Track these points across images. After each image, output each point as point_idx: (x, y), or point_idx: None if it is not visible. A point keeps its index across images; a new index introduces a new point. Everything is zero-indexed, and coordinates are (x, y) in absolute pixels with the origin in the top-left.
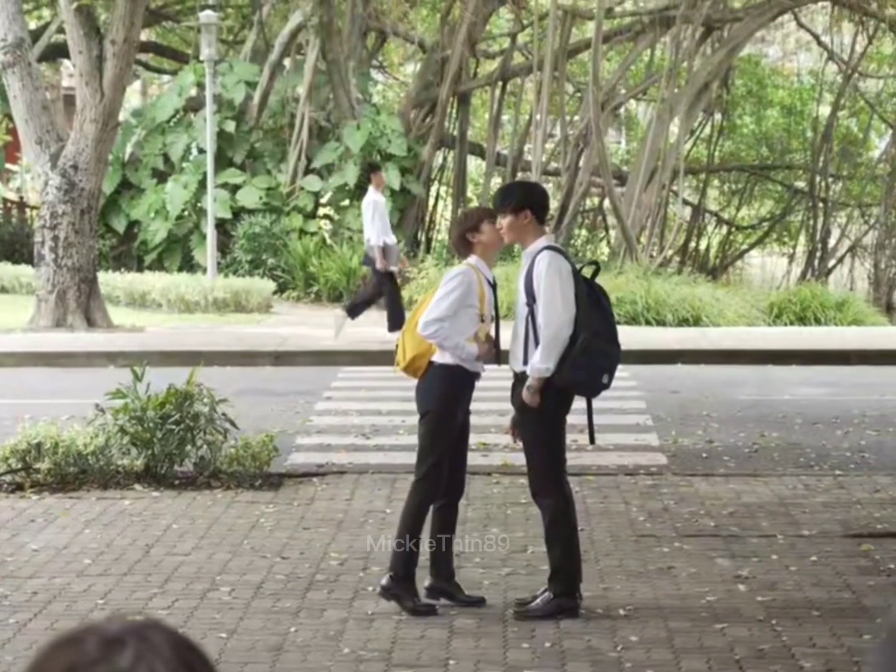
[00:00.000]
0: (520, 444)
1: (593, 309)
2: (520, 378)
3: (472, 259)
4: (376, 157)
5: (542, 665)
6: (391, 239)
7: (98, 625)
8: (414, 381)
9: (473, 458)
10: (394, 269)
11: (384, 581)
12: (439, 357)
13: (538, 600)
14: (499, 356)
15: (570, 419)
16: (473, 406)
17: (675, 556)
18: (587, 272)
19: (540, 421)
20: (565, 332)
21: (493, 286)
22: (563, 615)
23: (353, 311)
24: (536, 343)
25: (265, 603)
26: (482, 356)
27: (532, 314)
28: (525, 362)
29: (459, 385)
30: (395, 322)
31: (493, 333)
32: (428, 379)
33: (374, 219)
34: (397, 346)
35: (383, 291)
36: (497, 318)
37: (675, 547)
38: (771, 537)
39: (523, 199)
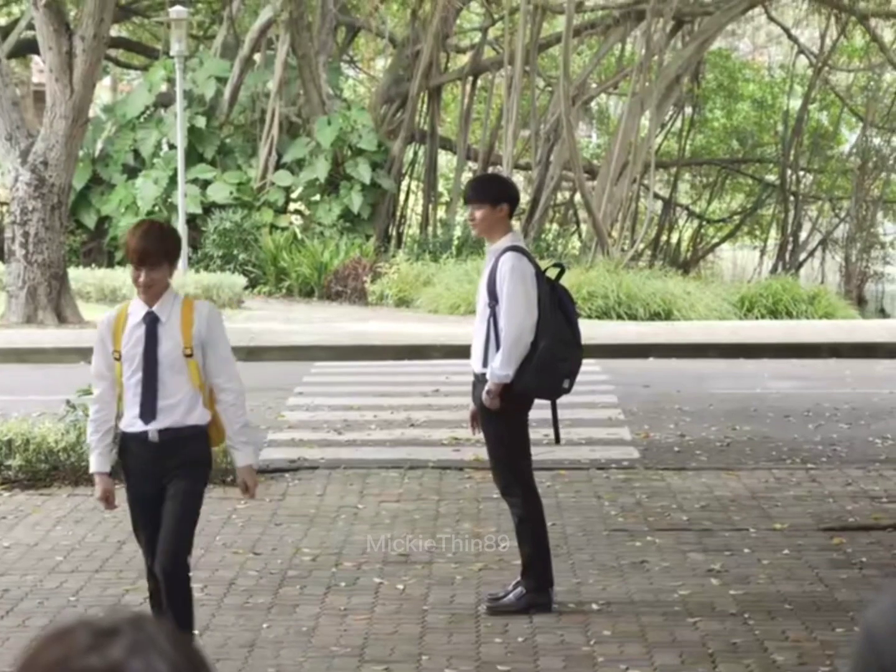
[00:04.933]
0: (479, 435)
1: (554, 312)
2: (480, 378)
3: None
4: (347, 151)
5: (514, 660)
6: None
7: (92, 618)
8: (381, 380)
9: (445, 453)
10: None
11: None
12: None
13: (510, 595)
14: (151, 412)
15: (541, 414)
16: (445, 401)
17: (647, 550)
18: (552, 273)
19: (500, 422)
20: (527, 338)
21: (151, 321)
22: (535, 610)
23: None
24: (497, 346)
25: (238, 599)
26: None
27: (494, 315)
28: (485, 364)
29: (123, 452)
30: None
31: (134, 381)
32: None
33: None
34: None
35: None
36: (149, 364)
37: (648, 541)
38: (743, 531)
39: (502, 194)
